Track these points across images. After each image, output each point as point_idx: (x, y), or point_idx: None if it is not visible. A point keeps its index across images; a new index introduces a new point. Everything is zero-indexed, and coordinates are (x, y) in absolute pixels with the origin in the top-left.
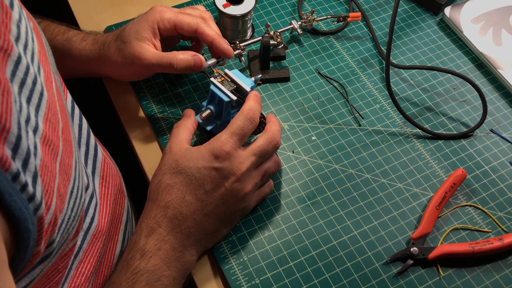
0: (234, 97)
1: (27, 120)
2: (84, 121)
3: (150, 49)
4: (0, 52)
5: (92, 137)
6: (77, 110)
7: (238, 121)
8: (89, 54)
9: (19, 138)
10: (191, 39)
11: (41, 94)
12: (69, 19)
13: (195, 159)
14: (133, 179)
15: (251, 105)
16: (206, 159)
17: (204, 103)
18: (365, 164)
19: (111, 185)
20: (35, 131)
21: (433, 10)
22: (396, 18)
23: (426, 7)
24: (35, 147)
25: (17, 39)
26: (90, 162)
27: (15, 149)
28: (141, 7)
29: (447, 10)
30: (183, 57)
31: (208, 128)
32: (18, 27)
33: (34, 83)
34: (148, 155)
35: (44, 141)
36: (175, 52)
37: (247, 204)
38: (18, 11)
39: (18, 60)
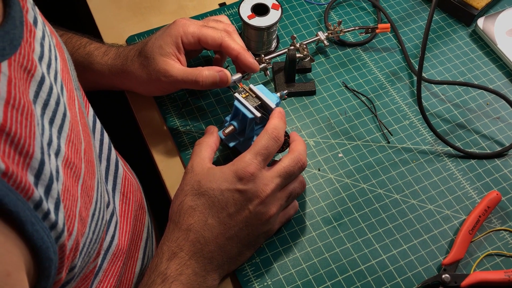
0: (258, 114)
1: (49, 143)
2: (106, 135)
3: (175, 65)
4: (24, 72)
5: (114, 152)
6: (98, 124)
7: (263, 141)
8: (111, 69)
9: (42, 163)
10: (214, 51)
11: (64, 115)
12: (91, 28)
13: (218, 180)
14: (153, 192)
15: (276, 123)
16: (229, 181)
17: (228, 118)
18: (394, 184)
19: (131, 201)
20: (57, 154)
21: (465, 21)
22: None
23: (457, 17)
24: (57, 171)
25: (41, 58)
26: (110, 178)
27: (38, 175)
28: (164, 17)
29: (480, 21)
30: (208, 73)
31: (231, 144)
32: (42, 45)
33: (57, 103)
34: (170, 170)
35: (66, 164)
36: (200, 68)
37: (271, 226)
38: (42, 28)
39: (42, 80)
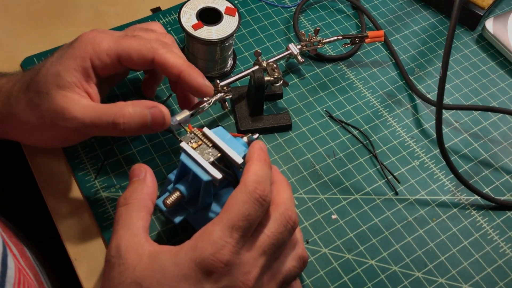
0: (219, 176)
1: None
2: None
3: (80, 102)
4: None
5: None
6: None
7: (240, 205)
8: None
9: None
10: (145, 71)
11: None
12: None
13: (171, 279)
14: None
15: (258, 172)
16: (191, 279)
17: (171, 176)
18: (412, 256)
19: None
20: None
21: (468, 24)
22: (423, 35)
23: (459, 20)
24: None
25: None
26: None
27: None
28: (75, 29)
29: (489, 24)
30: (134, 111)
31: (177, 220)
32: None
33: None
34: (87, 259)
35: None
36: (121, 103)
37: None
38: None
39: None
